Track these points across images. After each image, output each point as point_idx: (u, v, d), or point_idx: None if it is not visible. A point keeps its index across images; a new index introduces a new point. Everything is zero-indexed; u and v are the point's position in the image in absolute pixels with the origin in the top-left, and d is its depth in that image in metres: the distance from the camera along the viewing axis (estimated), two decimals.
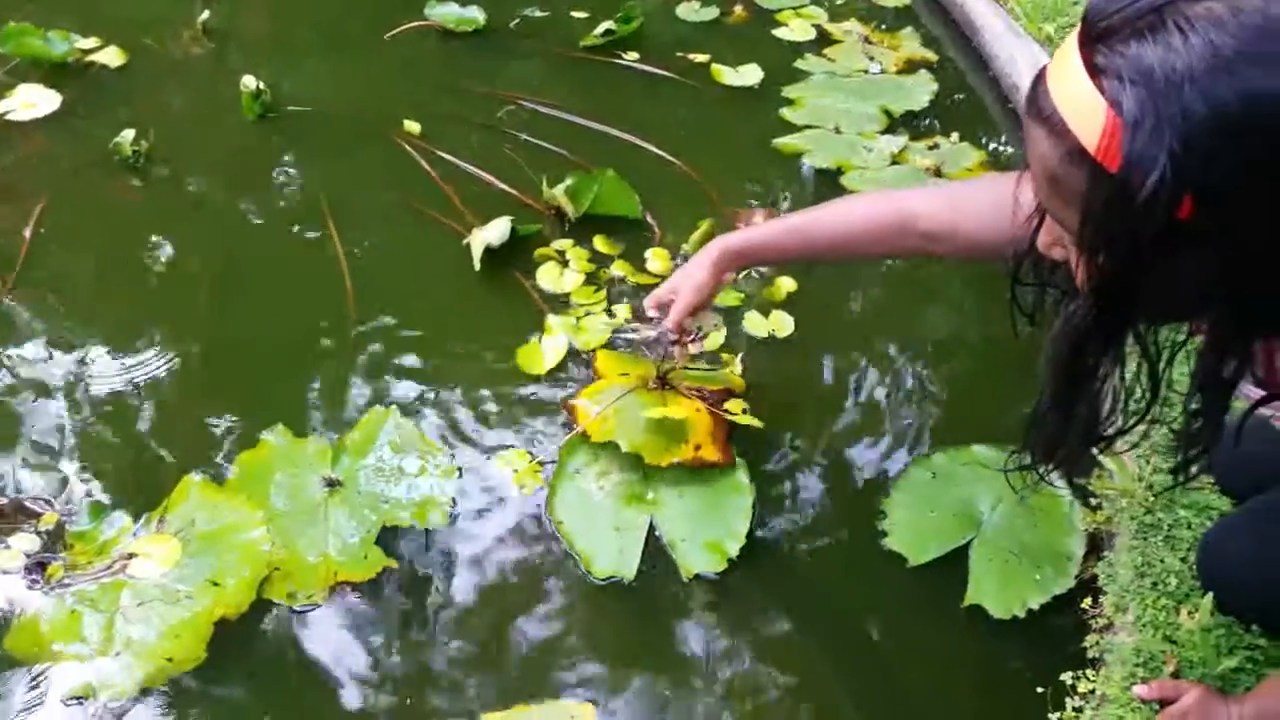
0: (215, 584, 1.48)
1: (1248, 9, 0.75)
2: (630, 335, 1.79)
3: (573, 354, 1.90)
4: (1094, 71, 0.80)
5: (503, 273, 2.07)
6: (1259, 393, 1.04)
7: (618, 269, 2.09)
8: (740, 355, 1.89)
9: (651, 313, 1.68)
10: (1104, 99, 0.79)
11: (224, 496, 1.60)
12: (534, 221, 2.16)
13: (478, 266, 2.05)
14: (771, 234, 1.58)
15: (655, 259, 2.11)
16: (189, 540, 1.53)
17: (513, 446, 1.76)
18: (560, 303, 2.02)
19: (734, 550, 1.59)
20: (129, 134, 2.29)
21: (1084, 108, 0.80)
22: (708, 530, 1.62)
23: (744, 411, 1.74)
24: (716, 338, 1.93)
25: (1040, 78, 0.86)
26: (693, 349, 1.82)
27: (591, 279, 2.07)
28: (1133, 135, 0.77)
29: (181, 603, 1.46)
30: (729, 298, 2.02)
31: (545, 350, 1.91)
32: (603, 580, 1.58)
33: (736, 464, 1.69)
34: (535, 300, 2.02)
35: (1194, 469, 1.07)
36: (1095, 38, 0.80)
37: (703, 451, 1.68)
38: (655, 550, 1.62)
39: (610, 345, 1.93)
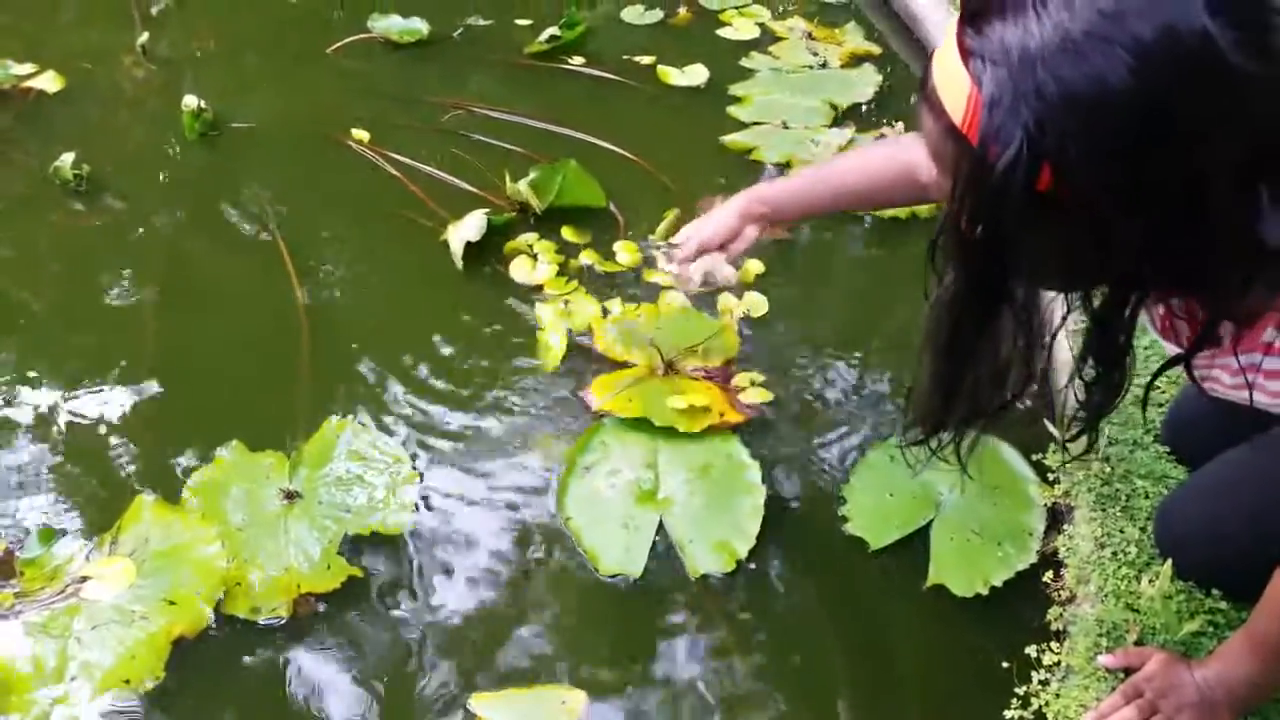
0: (171, 602, 1.45)
1: None
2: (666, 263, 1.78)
3: (574, 347, 1.91)
4: (965, 52, 0.84)
5: (482, 267, 2.08)
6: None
7: (586, 258, 2.10)
8: (734, 314, 1.93)
9: (667, 247, 1.70)
10: (969, 77, 0.82)
11: (177, 514, 1.57)
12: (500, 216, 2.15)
13: (460, 264, 2.04)
14: (799, 184, 1.62)
15: (624, 251, 2.12)
16: (143, 560, 1.50)
17: (511, 441, 1.76)
18: (536, 295, 2.02)
19: (743, 551, 1.58)
20: (68, 158, 2.25)
21: (954, 86, 0.84)
22: (717, 530, 1.61)
23: (751, 384, 1.81)
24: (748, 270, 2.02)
25: (929, 60, 0.89)
26: (696, 286, 1.77)
27: (562, 270, 2.08)
28: (990, 112, 0.81)
29: (137, 623, 1.43)
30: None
31: (552, 344, 1.91)
32: (609, 578, 1.56)
33: (748, 464, 1.69)
34: (522, 292, 2.03)
35: (1094, 437, 1.09)
36: (967, 20, 0.84)
37: (726, 416, 1.74)
38: (664, 549, 1.61)
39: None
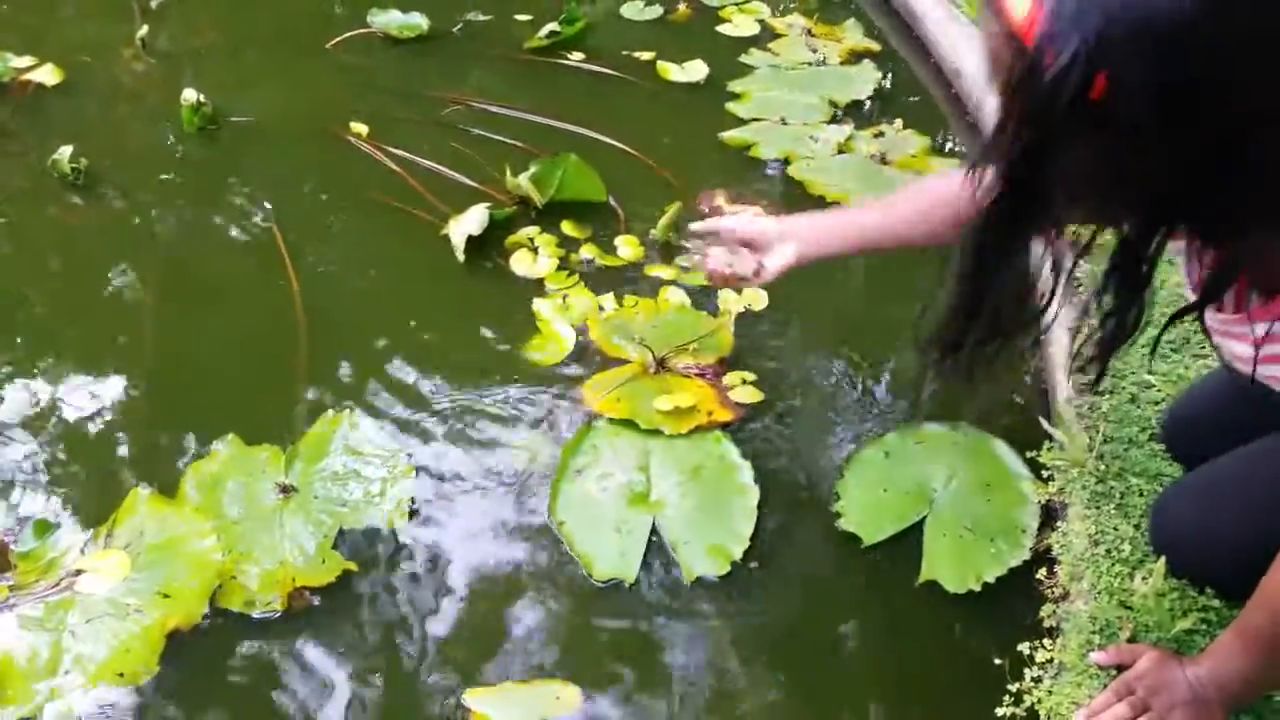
0: (165, 596, 1.46)
1: None
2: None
3: (574, 343, 1.91)
4: None
5: (483, 262, 2.08)
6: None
7: (587, 252, 2.11)
8: (731, 313, 1.94)
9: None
10: None
11: (173, 508, 1.58)
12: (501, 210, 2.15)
13: (461, 258, 2.05)
14: (831, 216, 1.59)
15: (625, 245, 2.13)
16: (138, 553, 1.51)
17: (508, 438, 1.75)
18: (537, 289, 2.03)
19: (737, 553, 1.57)
20: (66, 151, 2.26)
21: None
22: (710, 532, 1.60)
23: (743, 383, 1.81)
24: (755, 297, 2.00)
25: None
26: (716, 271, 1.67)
27: (563, 264, 2.08)
28: (1052, 17, 0.82)
29: (131, 616, 1.43)
30: (702, 276, 2.03)
31: (551, 339, 1.91)
32: (602, 582, 1.55)
33: (739, 465, 1.69)
34: (523, 286, 2.03)
35: (1103, 372, 1.09)
36: None
37: (715, 415, 1.75)
38: (658, 552, 1.60)
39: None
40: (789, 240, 1.55)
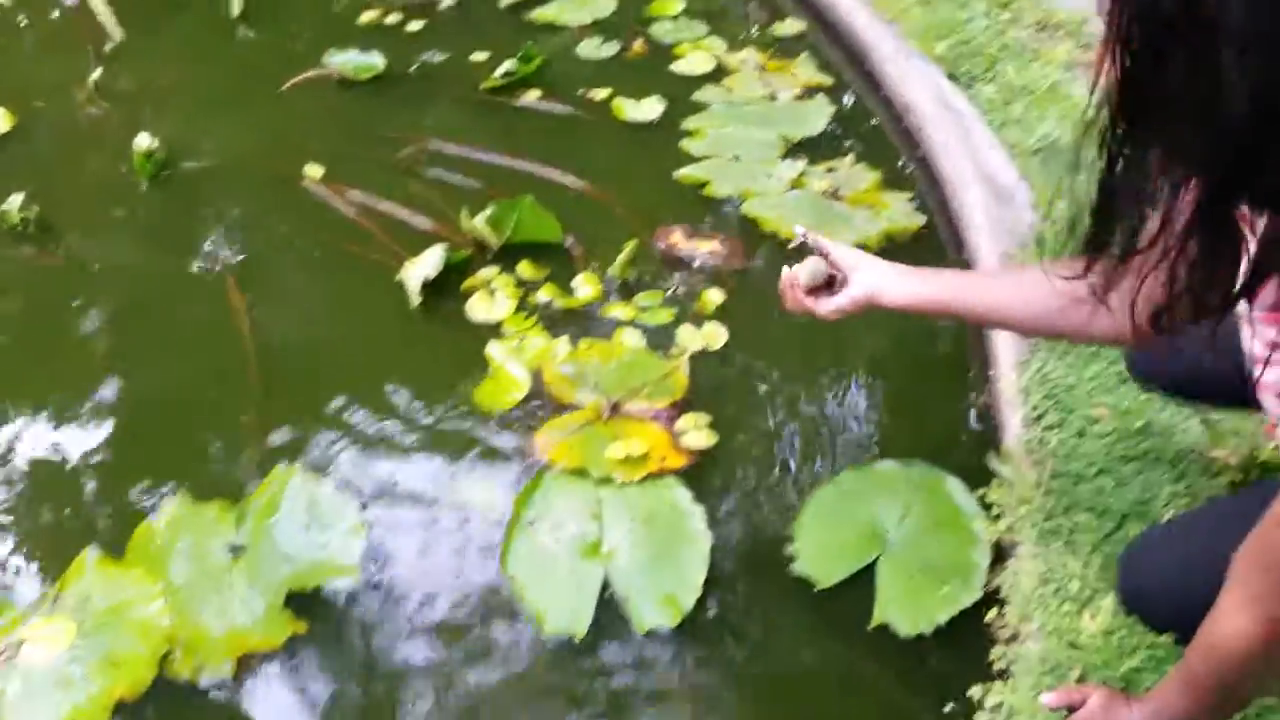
0: (113, 664, 1.44)
1: None
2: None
3: (528, 389, 1.91)
4: None
5: (439, 306, 2.07)
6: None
7: (545, 293, 2.11)
8: (685, 354, 1.95)
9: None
10: None
11: (121, 569, 1.56)
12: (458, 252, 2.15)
13: (416, 302, 2.04)
14: (945, 271, 1.47)
15: (585, 284, 2.13)
16: (84, 619, 1.49)
17: (461, 490, 1.75)
18: (494, 333, 2.03)
19: (689, 602, 1.57)
20: (16, 199, 2.24)
21: None
22: (662, 582, 1.60)
23: (696, 427, 1.82)
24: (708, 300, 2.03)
25: None
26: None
27: (521, 305, 2.08)
28: None
29: (76, 686, 1.41)
30: (660, 315, 2.05)
31: (505, 385, 1.91)
32: (553, 638, 1.54)
33: (691, 512, 1.68)
34: (480, 330, 2.03)
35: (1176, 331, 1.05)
36: None
37: (667, 461, 1.75)
38: (611, 603, 1.59)
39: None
40: (868, 272, 1.42)
